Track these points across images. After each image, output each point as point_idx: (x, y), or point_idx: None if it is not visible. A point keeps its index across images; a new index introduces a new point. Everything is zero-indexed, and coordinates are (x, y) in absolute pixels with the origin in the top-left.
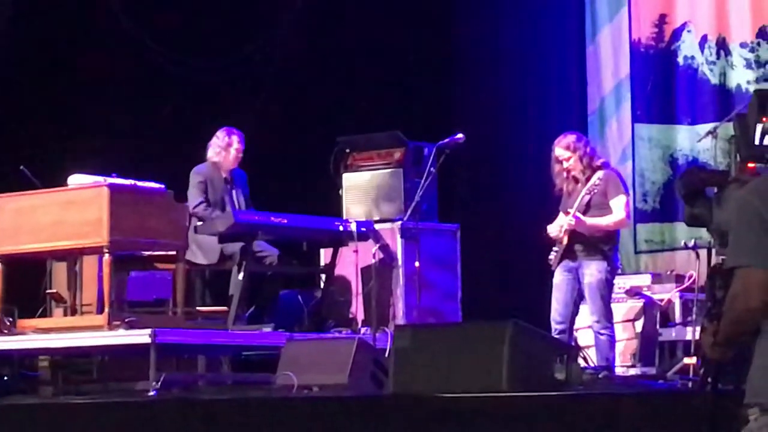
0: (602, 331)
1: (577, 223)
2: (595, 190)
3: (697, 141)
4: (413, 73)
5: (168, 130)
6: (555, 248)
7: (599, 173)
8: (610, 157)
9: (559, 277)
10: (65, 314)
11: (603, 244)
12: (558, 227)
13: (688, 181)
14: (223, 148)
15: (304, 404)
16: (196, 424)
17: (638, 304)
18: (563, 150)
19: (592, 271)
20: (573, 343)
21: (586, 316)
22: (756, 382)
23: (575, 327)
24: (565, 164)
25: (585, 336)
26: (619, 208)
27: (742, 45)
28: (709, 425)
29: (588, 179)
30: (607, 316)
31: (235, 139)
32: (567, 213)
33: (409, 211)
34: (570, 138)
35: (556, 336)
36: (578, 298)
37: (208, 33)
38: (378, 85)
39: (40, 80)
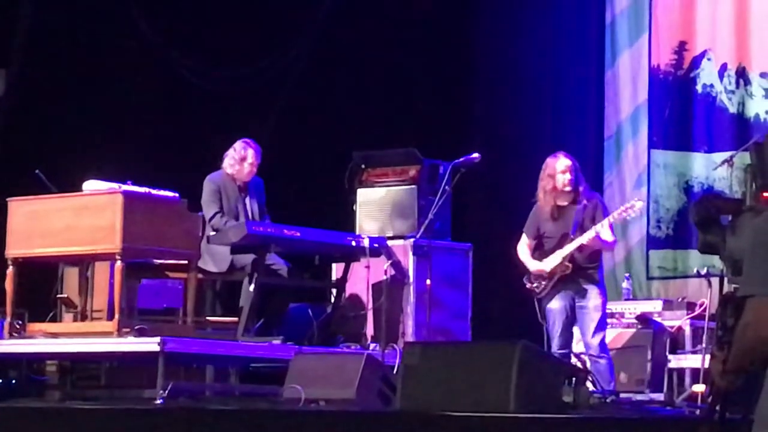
0: (603, 355)
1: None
2: (587, 215)
3: (713, 169)
4: (431, 91)
5: (184, 138)
6: (542, 278)
7: (585, 196)
8: (626, 182)
9: (558, 304)
10: (75, 319)
11: (597, 270)
12: (559, 258)
13: (703, 208)
14: (238, 162)
15: (310, 418)
16: None
17: (648, 330)
18: (570, 162)
19: (594, 295)
20: (582, 367)
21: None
22: (765, 411)
23: (581, 352)
24: (568, 176)
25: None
26: (609, 231)
27: (762, 75)
28: None
29: (575, 201)
30: (605, 339)
31: (250, 153)
32: (566, 237)
33: (422, 229)
34: (567, 154)
35: None
36: (571, 323)
37: (227, 44)
38: (395, 101)
39: (58, 85)
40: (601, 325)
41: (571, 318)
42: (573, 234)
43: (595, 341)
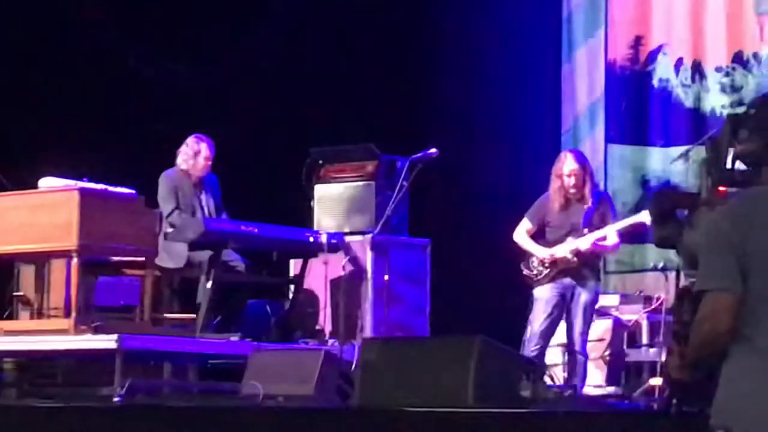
0: (585, 352)
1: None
2: (597, 212)
3: (669, 163)
4: (388, 87)
5: (141, 135)
6: (543, 266)
7: (594, 196)
8: None
9: (549, 294)
10: (32, 317)
11: (598, 266)
12: (568, 252)
13: (659, 202)
14: (192, 156)
15: (268, 414)
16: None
17: (606, 324)
18: (576, 166)
19: (591, 291)
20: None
21: (559, 335)
22: (721, 404)
23: (559, 343)
24: (573, 180)
25: (552, 354)
26: (615, 233)
27: (717, 69)
28: None
29: (582, 199)
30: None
31: (204, 146)
32: (575, 231)
33: (380, 225)
34: (579, 156)
35: (535, 353)
36: (558, 321)
37: (183, 39)
38: (352, 97)
39: (12, 82)
40: (590, 322)
41: (560, 314)
42: (584, 229)
43: (583, 336)
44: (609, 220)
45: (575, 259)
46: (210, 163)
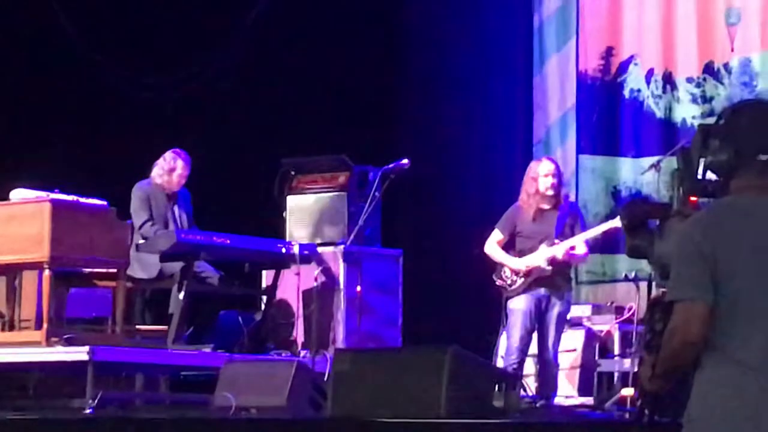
0: (555, 361)
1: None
2: (568, 222)
3: (640, 174)
4: (360, 97)
5: (112, 146)
6: (516, 275)
7: (566, 202)
8: None
9: (525, 305)
10: (3, 329)
11: (570, 276)
12: (543, 260)
13: (631, 212)
14: (167, 172)
15: (241, 426)
16: None
17: (578, 334)
18: (553, 166)
19: (564, 301)
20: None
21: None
22: (693, 414)
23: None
24: (550, 180)
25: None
26: (583, 243)
27: (688, 80)
28: None
29: (556, 206)
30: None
31: (180, 164)
32: (547, 240)
33: (352, 235)
34: (553, 159)
35: (515, 366)
36: (533, 331)
37: (155, 51)
38: (324, 108)
39: None
40: (562, 332)
41: (534, 324)
42: (556, 237)
43: (556, 346)
44: (578, 230)
45: (549, 267)
46: (184, 180)
